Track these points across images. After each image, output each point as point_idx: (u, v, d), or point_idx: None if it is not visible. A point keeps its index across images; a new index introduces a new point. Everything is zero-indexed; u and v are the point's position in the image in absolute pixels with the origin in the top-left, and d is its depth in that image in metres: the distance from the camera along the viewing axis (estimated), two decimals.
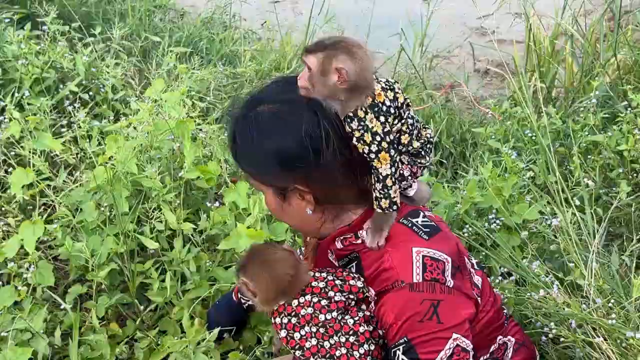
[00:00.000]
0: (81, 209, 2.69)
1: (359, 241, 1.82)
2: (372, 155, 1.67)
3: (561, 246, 2.47)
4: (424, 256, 1.72)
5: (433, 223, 1.85)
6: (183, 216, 2.76)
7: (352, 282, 1.81)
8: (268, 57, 4.85)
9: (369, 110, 1.66)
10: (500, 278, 2.59)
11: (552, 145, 3.66)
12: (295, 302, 1.80)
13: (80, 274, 2.63)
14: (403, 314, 1.69)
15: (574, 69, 4.68)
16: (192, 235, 2.73)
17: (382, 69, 5.05)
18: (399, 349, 1.71)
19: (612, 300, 2.29)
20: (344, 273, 1.84)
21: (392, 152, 1.68)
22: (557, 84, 4.72)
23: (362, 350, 1.78)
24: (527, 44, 4.82)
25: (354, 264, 1.85)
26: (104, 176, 2.69)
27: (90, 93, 3.71)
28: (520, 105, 3.59)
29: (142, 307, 2.59)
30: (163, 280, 2.56)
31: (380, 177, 1.69)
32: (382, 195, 1.72)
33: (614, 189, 3.21)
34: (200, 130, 3.20)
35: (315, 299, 1.80)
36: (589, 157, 3.48)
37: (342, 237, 1.87)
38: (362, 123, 1.65)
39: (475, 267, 1.99)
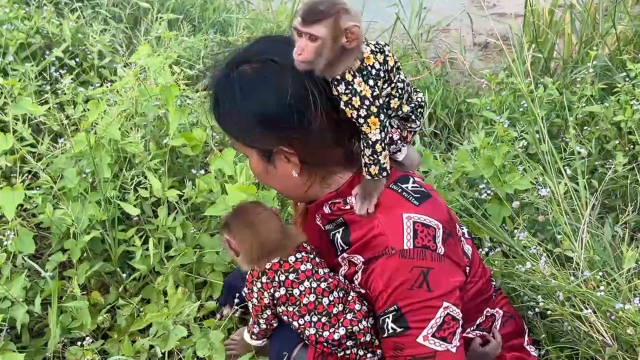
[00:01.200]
0: (63, 176, 2.63)
1: (348, 207, 1.77)
2: (361, 120, 1.62)
3: (551, 217, 2.41)
4: (414, 222, 1.68)
5: (423, 189, 1.79)
6: (168, 184, 2.70)
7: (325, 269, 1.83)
8: (261, 26, 4.77)
9: (357, 74, 1.60)
10: (487, 249, 2.53)
11: (548, 116, 3.60)
12: (292, 258, 1.78)
13: (63, 243, 2.57)
14: (393, 281, 1.65)
15: (572, 40, 4.60)
16: (177, 203, 2.67)
17: (378, 40, 4.96)
18: (388, 317, 1.67)
19: (602, 272, 2.24)
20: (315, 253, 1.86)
21: (382, 116, 1.63)
22: (555, 56, 4.64)
23: (357, 307, 1.77)
24: (525, 14, 4.73)
25: (341, 229, 1.80)
26: (86, 142, 2.63)
27: (77, 59, 3.64)
28: (514, 75, 3.51)
29: (124, 276, 2.54)
30: (147, 249, 2.51)
31: (370, 142, 1.64)
32: (371, 162, 1.67)
33: (609, 161, 3.14)
34: (187, 97, 3.13)
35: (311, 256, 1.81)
36: (585, 128, 3.41)
37: (330, 202, 1.81)
38: (350, 87, 1.60)
39: (466, 235, 1.94)
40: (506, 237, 2.43)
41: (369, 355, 1.81)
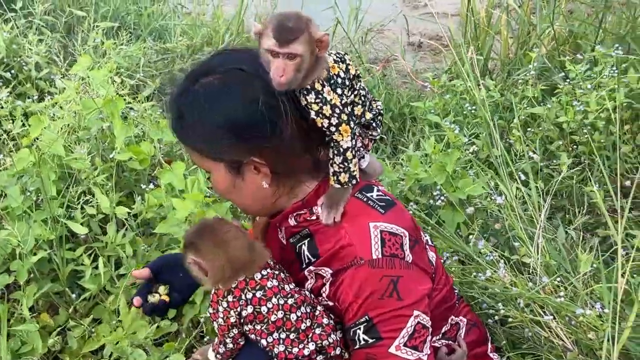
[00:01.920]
0: (5, 195, 2.54)
1: (314, 217, 1.74)
2: (333, 129, 1.62)
3: (506, 223, 2.43)
4: (381, 231, 1.66)
5: (387, 197, 1.78)
6: (116, 200, 2.63)
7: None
8: (200, 32, 4.71)
9: (325, 83, 1.60)
10: (444, 258, 2.54)
11: (491, 118, 3.64)
12: (258, 275, 1.72)
13: (9, 264, 2.48)
14: (363, 292, 1.63)
15: (509, 41, 4.66)
16: (126, 219, 2.60)
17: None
18: (359, 328, 1.65)
19: (560, 278, 2.26)
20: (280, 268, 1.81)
21: (352, 124, 1.63)
22: (493, 56, 4.70)
23: (325, 321, 1.75)
24: (464, 14, 4.76)
25: (306, 241, 1.77)
26: (29, 159, 2.54)
27: (13, 71, 3.53)
28: (462, 78, 3.54)
29: (74, 296, 2.46)
30: (96, 267, 2.43)
31: (341, 149, 1.64)
32: (341, 170, 1.67)
33: (554, 161, 3.18)
34: (131, 109, 3.06)
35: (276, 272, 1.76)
36: (529, 130, 3.45)
37: (295, 214, 1.78)
38: (320, 96, 1.60)
39: (429, 242, 1.93)
40: (463, 245, 2.43)
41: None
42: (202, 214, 2.44)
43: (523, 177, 2.64)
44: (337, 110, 1.61)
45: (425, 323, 1.68)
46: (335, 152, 1.65)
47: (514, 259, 2.34)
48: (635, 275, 2.16)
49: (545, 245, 2.35)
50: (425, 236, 1.94)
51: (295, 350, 1.73)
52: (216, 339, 1.85)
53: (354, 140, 1.64)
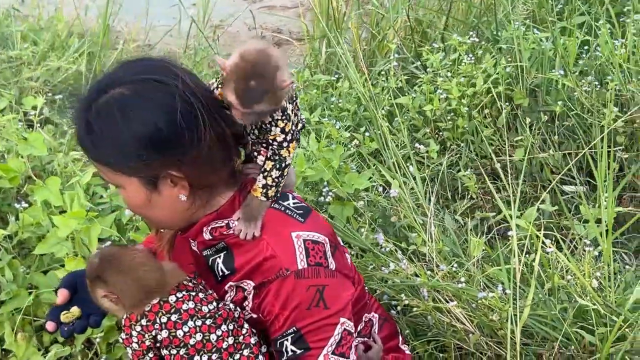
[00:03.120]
0: None
1: (231, 231, 1.69)
2: (285, 144, 1.64)
3: (401, 214, 2.48)
4: (304, 240, 1.65)
5: (303, 204, 1.77)
6: None
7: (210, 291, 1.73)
8: (42, 36, 4.47)
9: (289, 101, 1.63)
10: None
11: (356, 110, 3.69)
12: (173, 298, 1.65)
13: None
14: (290, 303, 1.61)
15: (360, 33, 4.72)
16: (0, 242, 2.43)
17: (166, 42, 4.88)
18: (287, 340, 1.63)
19: (455, 264, 2.33)
20: (200, 287, 1.73)
21: (296, 141, 1.68)
22: (348, 48, 4.75)
23: (253, 341, 1.71)
24: (316, 6, 4.76)
25: (222, 254, 1.72)
26: None
27: None
28: (329, 71, 3.57)
29: None
30: None
31: (283, 165, 1.66)
32: (274, 184, 1.66)
33: (420, 148, 3.26)
34: None
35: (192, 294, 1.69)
36: (396, 119, 3.52)
37: (210, 227, 1.72)
38: (286, 113, 1.62)
39: (341, 243, 1.93)
40: (360, 238, 2.45)
41: None
42: (87, 230, 2.33)
43: (412, 168, 2.68)
44: (293, 127, 1.64)
45: (350, 329, 1.68)
46: (277, 166, 1.66)
47: (411, 248, 2.39)
48: (526, 255, 2.26)
49: (437, 232, 2.42)
50: (337, 237, 1.94)
51: None
52: None
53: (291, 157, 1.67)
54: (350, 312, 1.69)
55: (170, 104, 1.53)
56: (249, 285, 1.68)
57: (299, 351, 1.63)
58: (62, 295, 1.79)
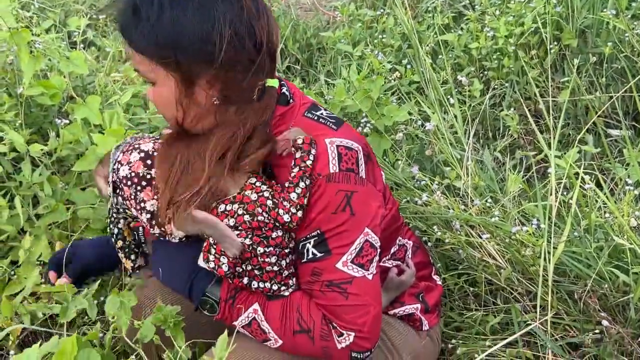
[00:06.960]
0: None
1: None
2: None
3: (436, 148, 2.45)
4: (337, 146, 1.63)
5: (334, 115, 1.75)
6: (26, 137, 2.47)
7: (280, 211, 1.66)
8: None
9: None
10: None
11: (401, 46, 3.64)
12: (222, 207, 1.64)
13: None
14: (317, 206, 1.60)
15: None
16: (40, 158, 2.46)
17: None
18: (309, 242, 1.63)
19: (490, 199, 2.30)
20: (281, 197, 1.67)
21: None
22: None
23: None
24: None
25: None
26: None
27: None
28: (374, 7, 3.52)
29: None
30: (12, 207, 2.30)
31: None
32: None
33: (465, 88, 3.21)
34: (36, 41, 2.87)
35: (240, 211, 1.64)
36: (440, 57, 3.47)
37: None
38: None
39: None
40: (394, 171, 2.43)
41: (282, 288, 1.75)
42: None
43: (452, 101, 2.64)
44: None
45: (374, 242, 1.66)
46: None
47: (445, 182, 2.36)
48: (564, 193, 2.22)
49: (474, 167, 2.38)
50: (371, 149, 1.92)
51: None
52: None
53: None
54: (376, 224, 1.67)
55: (240, 13, 1.50)
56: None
57: (319, 254, 1.63)
58: (53, 277, 1.93)
